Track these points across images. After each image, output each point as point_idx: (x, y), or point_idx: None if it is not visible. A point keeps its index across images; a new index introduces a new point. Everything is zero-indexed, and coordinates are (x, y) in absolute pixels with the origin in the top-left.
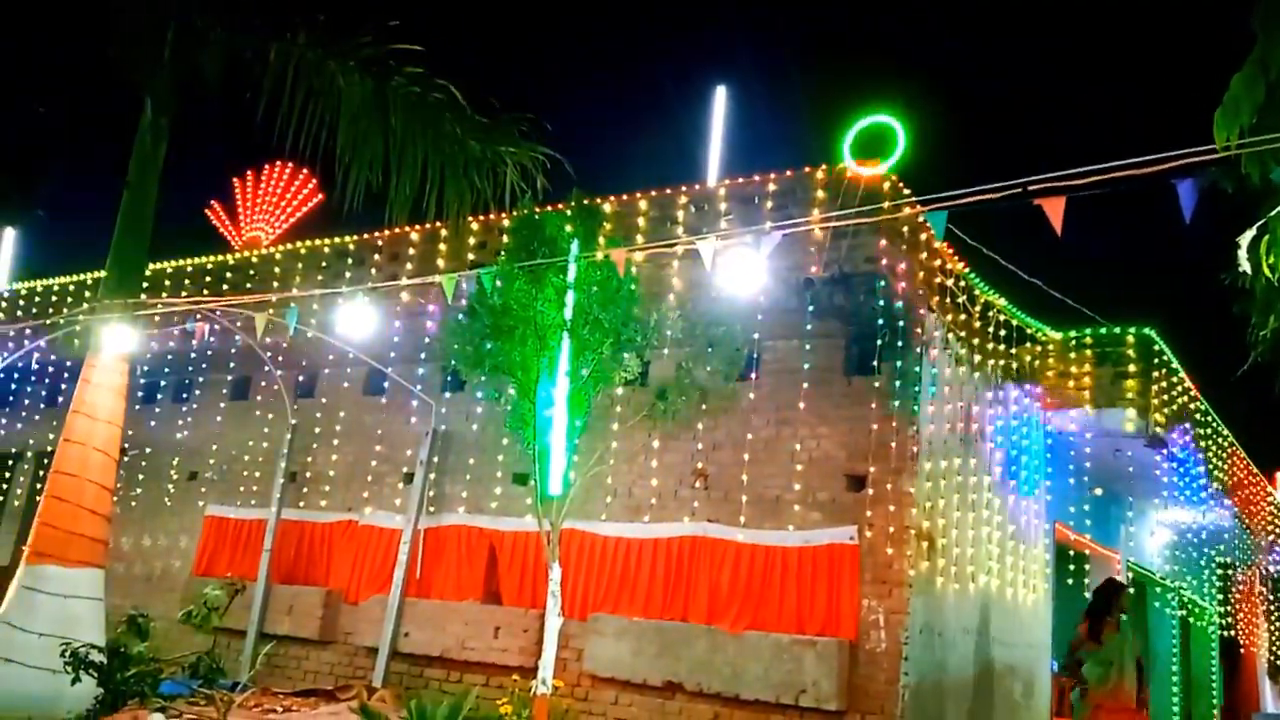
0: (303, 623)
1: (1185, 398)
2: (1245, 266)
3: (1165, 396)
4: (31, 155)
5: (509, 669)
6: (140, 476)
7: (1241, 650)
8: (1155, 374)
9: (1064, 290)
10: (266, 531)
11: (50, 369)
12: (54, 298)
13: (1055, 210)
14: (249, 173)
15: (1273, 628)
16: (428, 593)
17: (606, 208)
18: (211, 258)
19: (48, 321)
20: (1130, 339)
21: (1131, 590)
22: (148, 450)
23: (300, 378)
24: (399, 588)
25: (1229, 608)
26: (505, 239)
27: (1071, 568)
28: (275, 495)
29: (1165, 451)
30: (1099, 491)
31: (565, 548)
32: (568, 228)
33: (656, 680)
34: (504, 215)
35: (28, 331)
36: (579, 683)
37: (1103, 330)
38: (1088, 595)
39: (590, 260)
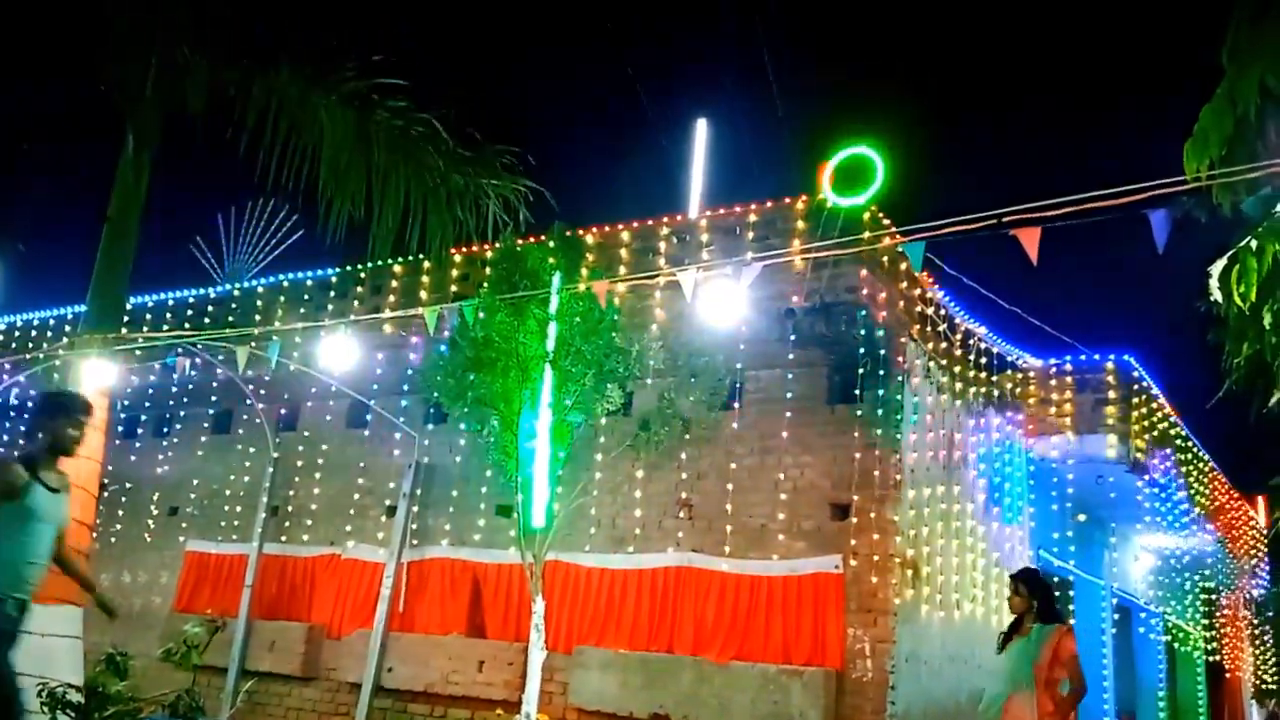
0: (285, 659)
1: (1165, 423)
2: (1217, 295)
3: (1145, 422)
4: (12, 189)
5: (493, 703)
6: (120, 512)
7: (1227, 674)
8: (1135, 400)
9: (1043, 318)
10: (248, 567)
11: (29, 404)
12: (34, 332)
13: (1031, 240)
14: (231, 206)
15: (1257, 652)
16: (411, 626)
17: (589, 239)
18: (193, 291)
19: (27, 356)
20: (1110, 366)
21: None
22: (128, 485)
23: (282, 411)
24: (382, 622)
25: (1214, 632)
26: (488, 271)
27: (1056, 594)
28: (257, 530)
29: (1147, 477)
30: (1082, 518)
31: (549, 580)
32: (550, 260)
33: (643, 713)
34: (487, 247)
35: (7, 366)
36: (564, 716)
37: (1082, 357)
38: (1072, 621)
39: (572, 292)
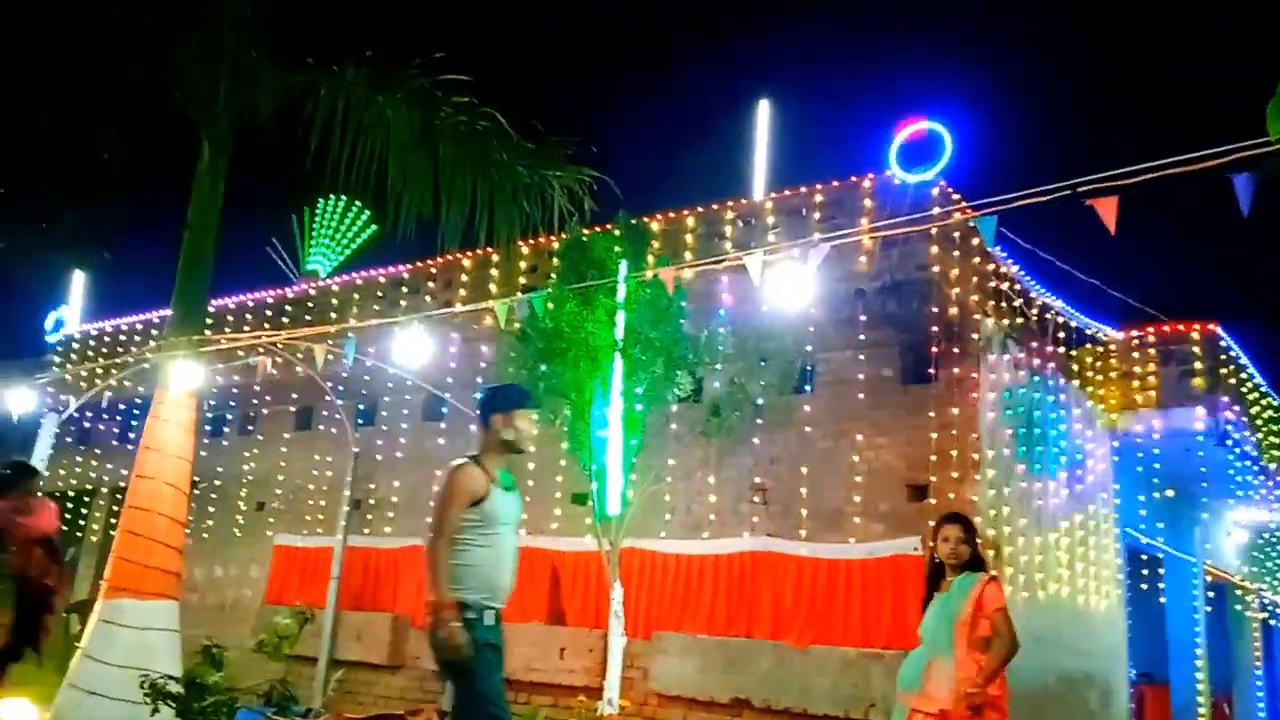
0: (372, 648)
1: (1256, 394)
2: None
3: (1235, 394)
4: (97, 199)
5: (575, 690)
6: (210, 508)
7: None
8: (1223, 371)
9: (1124, 289)
10: (333, 559)
11: (121, 407)
12: (122, 337)
13: (1108, 210)
14: (305, 207)
15: None
16: None
17: (654, 226)
18: (271, 291)
19: (118, 360)
20: (1195, 336)
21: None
22: (217, 482)
23: (361, 406)
24: None
25: None
26: (555, 261)
27: (1145, 572)
28: (341, 523)
29: (1238, 450)
30: (1170, 493)
31: (626, 566)
32: (616, 248)
33: (724, 697)
34: (553, 238)
35: (99, 371)
36: (646, 701)
37: (1166, 328)
38: (1163, 600)
39: (639, 280)
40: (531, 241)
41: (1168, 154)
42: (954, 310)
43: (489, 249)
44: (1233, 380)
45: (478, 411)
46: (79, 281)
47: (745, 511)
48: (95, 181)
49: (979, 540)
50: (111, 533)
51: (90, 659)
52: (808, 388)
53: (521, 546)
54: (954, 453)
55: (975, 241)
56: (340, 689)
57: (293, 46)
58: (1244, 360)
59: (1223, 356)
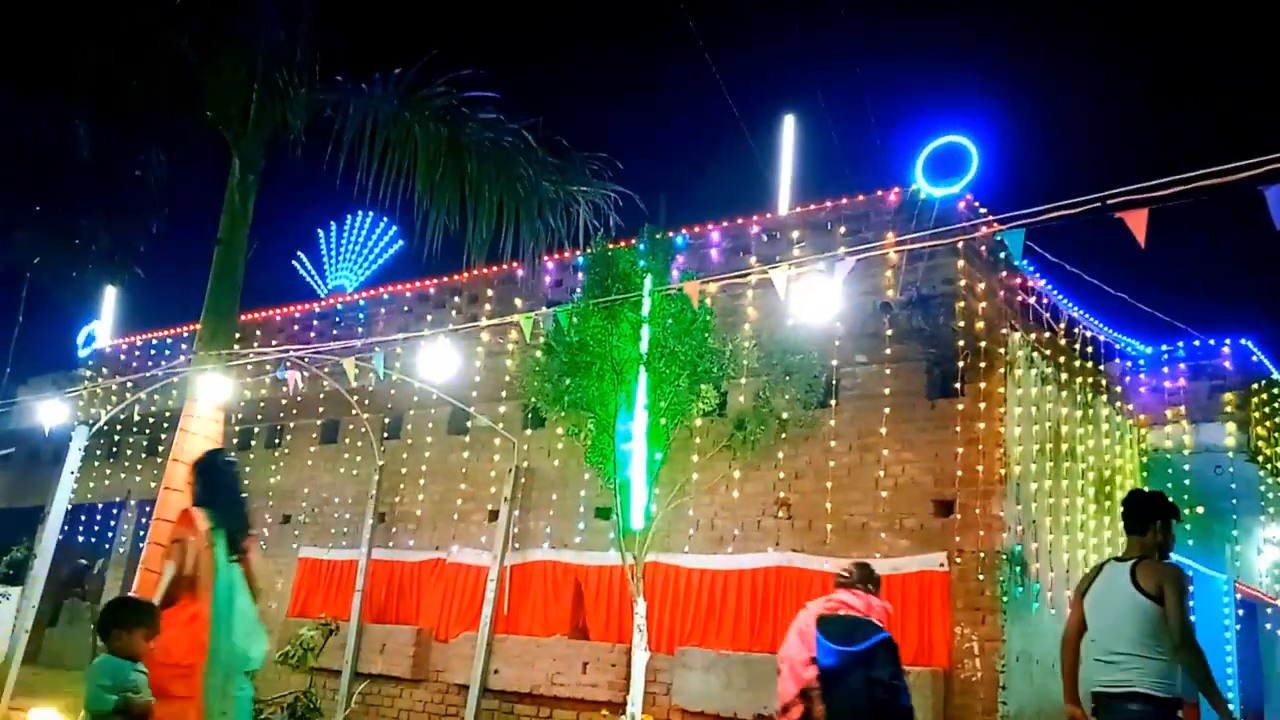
0: (395, 661)
1: None
2: None
3: (1267, 409)
4: (129, 216)
5: (598, 704)
6: None
7: None
8: (1254, 386)
9: (1153, 303)
10: (358, 572)
11: (151, 420)
12: (153, 351)
13: (1138, 224)
14: (332, 222)
15: None
16: (515, 629)
17: (679, 240)
18: (299, 306)
19: (147, 374)
20: (1226, 350)
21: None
22: (243, 495)
23: (386, 420)
24: (487, 625)
25: None
26: (580, 276)
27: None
28: (365, 536)
29: (1269, 466)
30: (1200, 510)
31: (650, 581)
32: (641, 262)
33: (747, 714)
34: (578, 252)
35: (129, 384)
36: (669, 717)
37: (1196, 343)
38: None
39: (664, 294)
40: (557, 256)
41: (1201, 164)
42: (981, 324)
43: (515, 263)
44: (1264, 396)
45: (1136, 513)
46: (110, 297)
47: (770, 526)
48: (128, 198)
49: (212, 480)
50: (140, 545)
51: None
52: (833, 402)
53: (545, 560)
54: (980, 468)
55: (1002, 255)
56: (363, 702)
57: (322, 66)
58: (1276, 375)
59: (1254, 372)
